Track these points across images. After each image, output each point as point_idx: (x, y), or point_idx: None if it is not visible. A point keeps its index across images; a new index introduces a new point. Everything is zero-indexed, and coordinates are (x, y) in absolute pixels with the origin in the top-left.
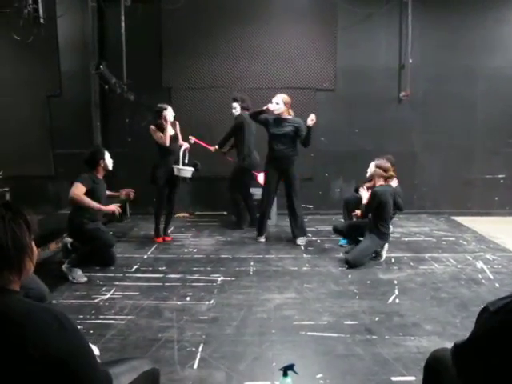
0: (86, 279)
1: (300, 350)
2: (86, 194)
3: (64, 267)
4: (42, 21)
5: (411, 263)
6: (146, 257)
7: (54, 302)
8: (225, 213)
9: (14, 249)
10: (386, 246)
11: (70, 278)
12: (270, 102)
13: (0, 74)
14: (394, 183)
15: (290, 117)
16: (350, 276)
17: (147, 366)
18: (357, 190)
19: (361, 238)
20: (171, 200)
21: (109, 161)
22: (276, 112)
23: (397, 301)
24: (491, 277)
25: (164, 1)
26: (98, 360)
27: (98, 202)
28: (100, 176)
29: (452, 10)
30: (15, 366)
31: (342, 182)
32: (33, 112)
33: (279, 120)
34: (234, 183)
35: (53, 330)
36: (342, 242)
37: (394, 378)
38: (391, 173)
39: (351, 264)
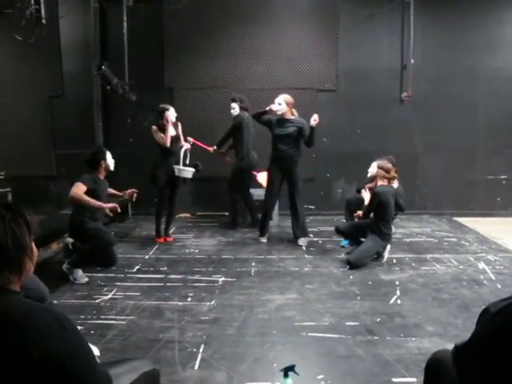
0: (87, 280)
1: (301, 351)
2: (87, 193)
3: (64, 267)
4: (44, 21)
5: (413, 264)
6: (147, 257)
7: (55, 302)
8: (226, 213)
9: (13, 249)
10: (388, 246)
11: (71, 278)
12: (273, 102)
13: (2, 75)
14: (395, 184)
15: (293, 117)
16: (351, 277)
17: (147, 367)
18: (358, 191)
19: (363, 239)
20: (172, 201)
21: (110, 161)
22: (279, 112)
23: (398, 302)
24: (493, 278)
25: (166, 1)
26: (98, 360)
27: (97, 198)
28: (101, 176)
29: (454, 11)
30: (15, 366)
31: (343, 183)
32: (35, 112)
33: (282, 120)
34: (233, 184)
35: (53, 331)
36: (344, 242)
37: (395, 379)
38: (393, 174)
39: (353, 265)
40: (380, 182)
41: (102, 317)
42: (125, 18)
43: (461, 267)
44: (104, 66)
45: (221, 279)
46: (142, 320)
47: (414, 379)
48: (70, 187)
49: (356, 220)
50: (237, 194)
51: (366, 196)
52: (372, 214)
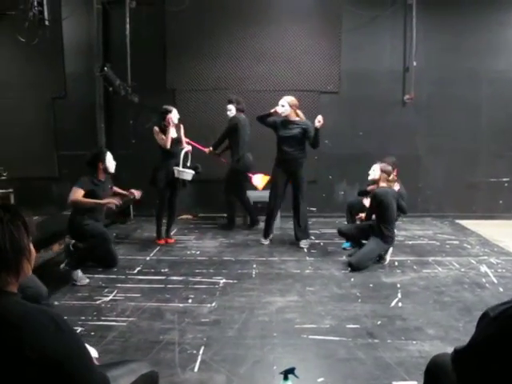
0: (87, 281)
1: (301, 354)
2: (86, 195)
3: (61, 267)
4: (47, 23)
5: (414, 267)
6: (148, 259)
7: (56, 303)
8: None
9: (11, 251)
10: (391, 249)
11: (72, 280)
12: (275, 104)
13: (5, 76)
14: (397, 186)
15: (297, 119)
16: (352, 279)
17: (146, 369)
18: (360, 194)
19: (364, 242)
20: (172, 202)
21: (110, 163)
22: (283, 114)
23: (399, 304)
24: (495, 281)
25: (168, 3)
26: (96, 362)
27: (98, 199)
28: (101, 177)
29: (456, 13)
30: (12, 368)
31: (345, 185)
32: (37, 114)
33: (287, 122)
34: (229, 185)
35: (49, 332)
36: (345, 244)
37: (395, 383)
38: (393, 176)
39: (354, 267)
40: (382, 184)
41: (103, 318)
42: (127, 20)
43: (463, 270)
44: (106, 68)
45: (222, 281)
46: (143, 322)
47: (414, 382)
48: (71, 189)
49: (358, 222)
50: (233, 196)
51: (367, 202)
52: (374, 216)
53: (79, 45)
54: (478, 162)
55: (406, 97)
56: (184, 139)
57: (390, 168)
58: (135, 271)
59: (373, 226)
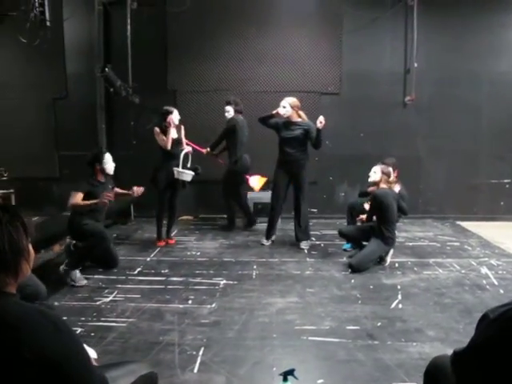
0: (85, 282)
1: (301, 355)
2: (85, 197)
3: (61, 268)
4: (48, 23)
5: (415, 268)
6: (148, 259)
7: (56, 303)
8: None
9: (10, 252)
10: (391, 251)
11: (70, 281)
12: (276, 105)
13: (7, 77)
14: (397, 187)
15: (299, 120)
16: (353, 281)
17: (145, 370)
18: (361, 195)
19: (365, 243)
20: (173, 203)
21: (108, 165)
22: (284, 116)
23: (400, 306)
24: (496, 282)
25: (169, 4)
26: (95, 363)
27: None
28: (101, 178)
29: (457, 15)
30: (10, 368)
31: (346, 186)
32: (38, 114)
33: (288, 123)
34: (227, 186)
35: (48, 333)
36: (346, 246)
37: None
38: (393, 177)
39: (354, 268)
40: (382, 186)
41: (103, 319)
42: (128, 21)
43: (463, 272)
44: (107, 69)
45: (222, 282)
46: (143, 322)
47: None
48: (72, 189)
49: (359, 224)
50: (231, 197)
51: (368, 206)
52: (375, 218)
53: (80, 45)
54: (479, 164)
55: (407, 98)
56: (184, 140)
57: (390, 169)
58: (135, 272)
59: (373, 228)
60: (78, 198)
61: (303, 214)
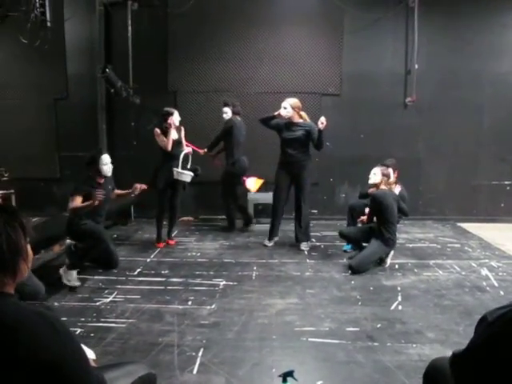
0: (79, 283)
1: (300, 356)
2: (84, 198)
3: (61, 270)
4: (49, 24)
5: (415, 269)
6: (149, 260)
7: (56, 304)
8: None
9: (8, 252)
10: (392, 252)
11: (65, 280)
12: (277, 106)
13: (8, 77)
14: (398, 188)
15: (300, 121)
16: (353, 282)
17: (143, 371)
18: (360, 196)
19: (365, 244)
20: (174, 204)
21: (105, 166)
22: (286, 117)
23: (400, 307)
24: (496, 284)
25: (170, 5)
26: (93, 364)
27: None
28: (99, 180)
29: (458, 15)
30: (7, 369)
31: (347, 187)
32: (39, 115)
33: (290, 124)
34: (226, 188)
35: (46, 334)
36: (346, 247)
37: None
38: (393, 178)
39: (354, 270)
40: (382, 187)
41: (102, 319)
42: (129, 22)
43: (463, 273)
44: (108, 69)
45: (222, 283)
46: (142, 323)
47: None
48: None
49: (360, 225)
50: (230, 199)
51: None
52: (375, 219)
53: (81, 46)
54: (480, 165)
55: (408, 99)
56: (184, 141)
57: (389, 170)
58: (135, 273)
59: (374, 228)
60: (76, 201)
61: (304, 214)
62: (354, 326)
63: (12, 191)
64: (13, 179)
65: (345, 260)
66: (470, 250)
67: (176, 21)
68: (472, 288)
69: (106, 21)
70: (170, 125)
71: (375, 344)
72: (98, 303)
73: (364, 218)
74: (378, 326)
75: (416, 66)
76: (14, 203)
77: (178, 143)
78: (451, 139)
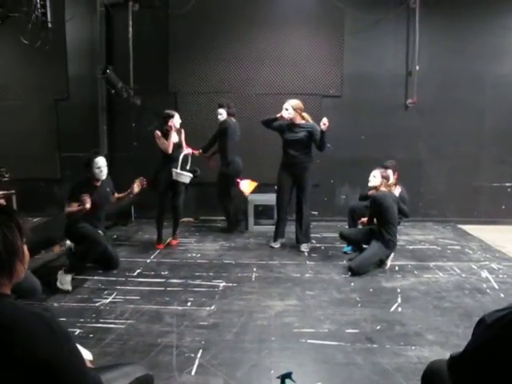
0: (70, 288)
1: (299, 358)
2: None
3: (59, 272)
4: (50, 25)
5: (415, 271)
6: (148, 261)
7: (55, 304)
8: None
9: (5, 252)
10: (392, 254)
11: (58, 283)
12: (278, 107)
13: (9, 78)
14: (398, 189)
15: (303, 122)
16: (352, 284)
17: (140, 372)
18: (361, 198)
19: (365, 246)
20: (175, 206)
21: (97, 170)
22: (288, 118)
23: (399, 309)
24: (496, 286)
25: (171, 6)
26: (90, 365)
27: (93, 205)
28: (95, 182)
29: (460, 17)
30: (3, 369)
31: (347, 189)
32: (40, 115)
33: (292, 126)
34: (222, 190)
35: (42, 335)
36: (346, 248)
37: None
38: (393, 180)
39: (354, 271)
40: (381, 189)
41: (101, 320)
42: (130, 23)
43: (464, 275)
44: (109, 70)
45: (221, 284)
46: (141, 324)
47: None
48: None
49: (360, 227)
50: (226, 200)
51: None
52: (376, 221)
53: (82, 47)
54: (481, 167)
55: (409, 101)
56: (184, 143)
57: (389, 172)
58: (135, 273)
59: (374, 230)
60: (72, 207)
61: (305, 216)
62: (354, 327)
63: (13, 191)
64: (13, 179)
65: (345, 262)
66: (470, 252)
67: (177, 22)
68: (472, 290)
69: (107, 22)
70: (171, 127)
71: (374, 346)
72: (97, 304)
73: (364, 219)
74: (378, 327)
75: (417, 68)
76: (14, 203)
77: (178, 146)
78: (452, 141)
